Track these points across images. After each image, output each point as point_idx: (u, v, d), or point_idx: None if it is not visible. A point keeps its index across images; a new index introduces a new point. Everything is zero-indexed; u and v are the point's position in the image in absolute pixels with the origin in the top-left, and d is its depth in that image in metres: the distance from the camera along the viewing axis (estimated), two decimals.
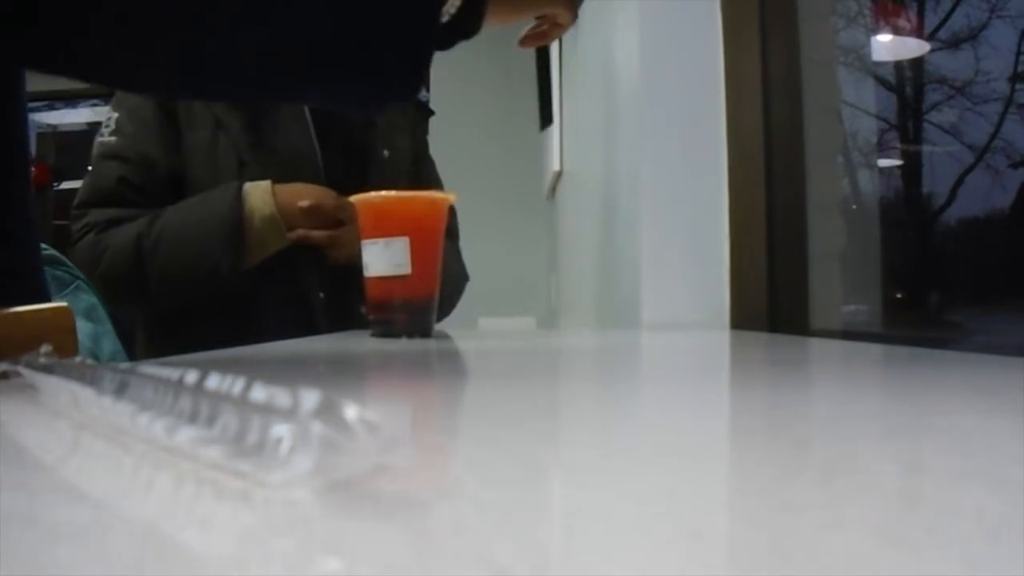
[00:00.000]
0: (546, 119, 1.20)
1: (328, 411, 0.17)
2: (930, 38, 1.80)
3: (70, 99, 4.34)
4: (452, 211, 1.37)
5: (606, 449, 0.25)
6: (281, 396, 0.18)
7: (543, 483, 0.20)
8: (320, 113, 1.19)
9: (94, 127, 2.47)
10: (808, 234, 1.16)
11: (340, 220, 1.14)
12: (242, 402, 0.19)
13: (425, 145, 1.41)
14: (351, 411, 0.17)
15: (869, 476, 0.20)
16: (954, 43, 1.76)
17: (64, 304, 0.57)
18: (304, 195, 1.13)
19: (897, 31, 1.72)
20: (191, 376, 0.21)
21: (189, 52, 0.48)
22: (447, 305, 1.31)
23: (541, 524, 0.16)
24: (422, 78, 0.54)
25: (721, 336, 0.99)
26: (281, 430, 0.17)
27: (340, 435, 0.17)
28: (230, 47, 0.48)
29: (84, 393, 0.26)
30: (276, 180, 1.13)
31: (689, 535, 0.15)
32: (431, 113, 1.45)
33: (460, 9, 0.56)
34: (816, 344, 0.89)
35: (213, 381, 0.20)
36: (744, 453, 0.25)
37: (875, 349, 0.74)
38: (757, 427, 0.30)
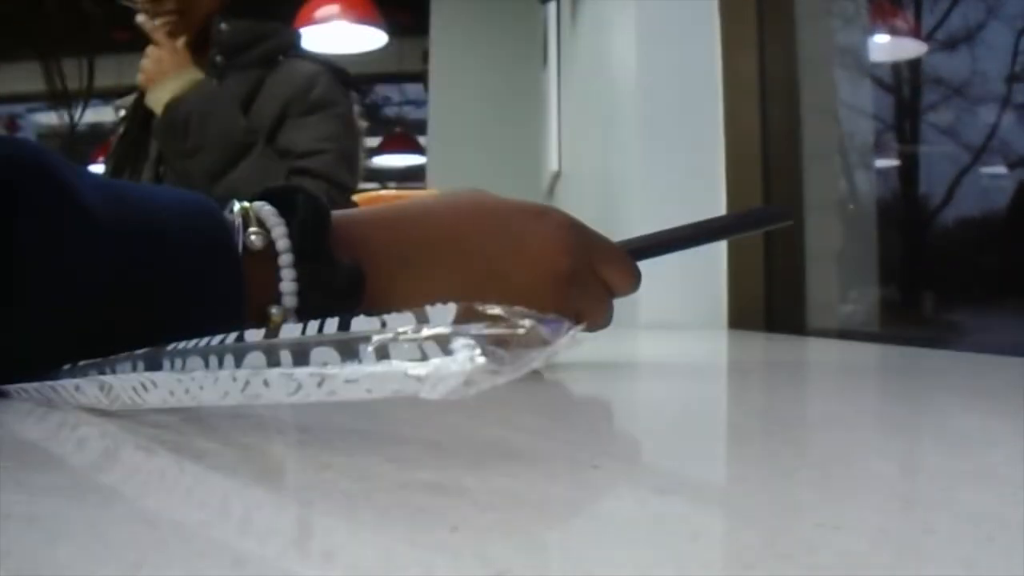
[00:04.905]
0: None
1: (472, 315, 0.17)
2: (927, 39, 1.81)
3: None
4: None
5: (604, 449, 0.25)
6: (403, 319, 0.19)
7: (541, 483, 0.20)
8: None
9: (96, 127, 2.41)
10: (805, 234, 1.16)
11: None
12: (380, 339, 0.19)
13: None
14: (495, 308, 0.17)
15: (867, 476, 0.20)
16: (951, 44, 1.76)
17: None
18: None
19: (894, 32, 1.72)
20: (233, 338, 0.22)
21: None
22: None
23: (539, 523, 0.16)
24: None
25: (718, 336, 0.99)
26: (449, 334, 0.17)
27: (503, 328, 0.17)
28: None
29: (114, 381, 0.26)
30: None
31: (687, 535, 0.15)
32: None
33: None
34: (813, 344, 0.89)
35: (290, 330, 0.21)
36: (742, 453, 0.25)
37: (872, 349, 0.74)
38: (754, 427, 0.30)
